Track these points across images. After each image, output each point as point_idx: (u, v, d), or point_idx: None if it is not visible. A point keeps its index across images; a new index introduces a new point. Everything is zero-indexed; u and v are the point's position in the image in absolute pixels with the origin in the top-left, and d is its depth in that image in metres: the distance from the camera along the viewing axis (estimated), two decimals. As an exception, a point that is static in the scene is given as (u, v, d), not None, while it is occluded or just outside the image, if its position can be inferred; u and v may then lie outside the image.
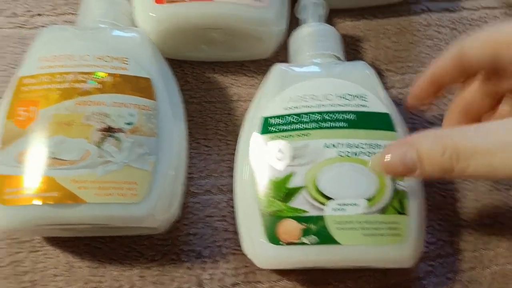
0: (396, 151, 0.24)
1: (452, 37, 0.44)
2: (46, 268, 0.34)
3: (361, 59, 0.41)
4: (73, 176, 0.29)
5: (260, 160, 0.31)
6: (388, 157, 0.25)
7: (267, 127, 0.32)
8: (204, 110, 0.41)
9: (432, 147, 0.23)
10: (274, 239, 0.29)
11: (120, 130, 0.30)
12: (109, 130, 0.30)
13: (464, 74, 0.30)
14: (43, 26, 0.43)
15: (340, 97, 0.32)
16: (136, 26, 0.38)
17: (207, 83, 0.41)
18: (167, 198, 0.31)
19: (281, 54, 0.41)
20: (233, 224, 0.36)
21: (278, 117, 0.32)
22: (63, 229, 0.32)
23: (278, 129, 0.32)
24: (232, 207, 0.36)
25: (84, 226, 0.30)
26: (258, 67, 0.41)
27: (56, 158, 0.29)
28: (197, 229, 0.36)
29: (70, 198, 0.28)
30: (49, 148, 0.29)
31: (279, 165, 0.31)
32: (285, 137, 0.31)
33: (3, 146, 0.30)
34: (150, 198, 0.30)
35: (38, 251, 0.35)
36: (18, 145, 0.30)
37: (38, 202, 0.28)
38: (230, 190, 0.36)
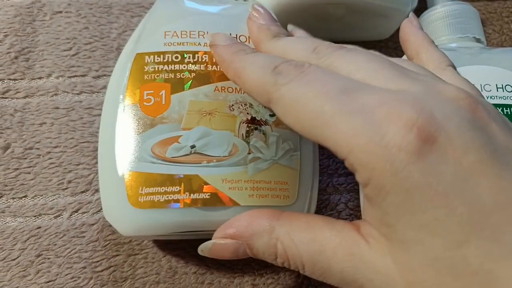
0: (228, 246, 0.23)
1: None
2: (146, 274, 0.30)
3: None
4: (224, 175, 0.24)
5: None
6: (219, 242, 0.23)
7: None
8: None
9: (267, 249, 0.22)
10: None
11: (265, 123, 0.26)
12: (254, 122, 0.26)
13: None
14: (130, -7, 0.38)
15: (500, 88, 0.28)
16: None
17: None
18: (312, 198, 0.28)
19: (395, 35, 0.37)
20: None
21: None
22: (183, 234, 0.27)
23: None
24: (352, 209, 0.32)
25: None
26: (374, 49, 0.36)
27: (202, 154, 0.25)
28: (314, 232, 0.32)
29: (222, 201, 0.24)
30: (192, 141, 0.25)
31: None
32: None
33: (129, 138, 0.25)
34: (301, 199, 0.27)
35: (137, 254, 0.31)
36: (149, 136, 0.25)
37: (184, 205, 0.24)
38: (348, 190, 0.33)
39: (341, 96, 0.19)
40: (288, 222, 0.22)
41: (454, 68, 0.24)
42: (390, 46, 0.38)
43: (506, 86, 0.29)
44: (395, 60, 0.22)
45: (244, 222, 0.23)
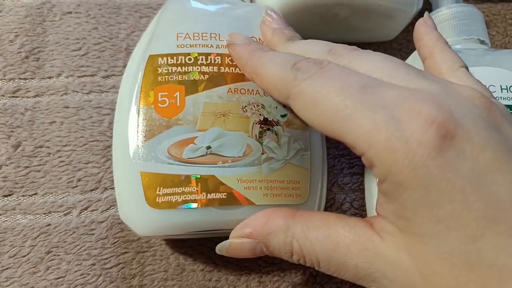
0: (245, 245, 0.23)
1: None
2: (155, 271, 0.31)
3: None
4: (239, 175, 0.25)
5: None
6: (236, 241, 0.24)
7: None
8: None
9: (283, 247, 0.22)
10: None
11: (277, 123, 0.27)
12: (266, 123, 0.26)
13: None
14: (139, -6, 0.38)
15: (505, 89, 0.29)
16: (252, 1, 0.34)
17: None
18: (322, 196, 0.28)
19: (400, 36, 0.38)
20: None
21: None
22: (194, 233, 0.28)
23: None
24: (357, 208, 0.33)
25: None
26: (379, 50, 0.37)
27: (218, 154, 0.25)
28: (320, 230, 0.33)
29: (238, 200, 0.25)
30: (208, 141, 0.25)
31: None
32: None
33: (145, 139, 0.25)
34: (312, 198, 0.27)
35: (145, 251, 0.31)
36: (165, 138, 0.25)
37: (201, 205, 0.25)
38: (353, 189, 0.33)
39: (362, 91, 0.19)
40: (303, 220, 0.23)
41: (467, 69, 0.24)
42: (395, 47, 0.39)
43: (511, 87, 0.30)
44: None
45: (260, 221, 0.23)
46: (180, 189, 0.25)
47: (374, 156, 0.18)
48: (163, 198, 0.25)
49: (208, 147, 0.25)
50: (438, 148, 0.17)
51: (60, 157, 0.33)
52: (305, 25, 0.35)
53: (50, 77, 0.35)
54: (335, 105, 0.19)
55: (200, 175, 0.25)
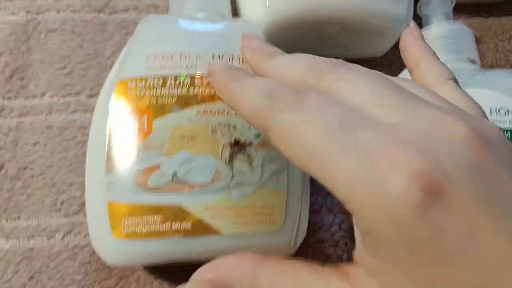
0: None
1: None
2: None
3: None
4: (207, 202, 0.24)
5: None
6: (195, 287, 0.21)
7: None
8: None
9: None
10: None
11: (249, 145, 0.25)
12: (238, 145, 0.25)
13: None
14: (125, 11, 0.37)
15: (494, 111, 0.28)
16: (237, 16, 0.33)
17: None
18: (302, 220, 0.27)
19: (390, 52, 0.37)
20: (347, 251, 0.31)
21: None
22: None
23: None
24: (345, 230, 0.31)
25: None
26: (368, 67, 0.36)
27: (184, 181, 0.24)
28: (307, 255, 0.32)
29: (205, 230, 0.24)
30: (174, 167, 0.24)
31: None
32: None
33: (112, 167, 0.24)
34: (288, 223, 0.26)
35: (129, 277, 0.30)
36: (132, 164, 0.24)
37: (165, 235, 0.24)
38: (342, 211, 0.32)
39: (340, 132, 0.17)
40: (271, 269, 0.20)
41: (456, 82, 0.22)
42: (385, 63, 0.38)
43: (500, 110, 0.28)
44: (397, 80, 0.21)
45: (225, 267, 0.21)
46: (145, 219, 0.24)
47: (353, 209, 0.17)
48: (129, 229, 0.24)
49: (174, 174, 0.24)
50: (423, 207, 0.15)
51: (43, 179, 0.32)
52: (294, 42, 0.33)
53: (34, 97, 0.34)
54: (311, 145, 0.17)
55: (165, 204, 0.24)
